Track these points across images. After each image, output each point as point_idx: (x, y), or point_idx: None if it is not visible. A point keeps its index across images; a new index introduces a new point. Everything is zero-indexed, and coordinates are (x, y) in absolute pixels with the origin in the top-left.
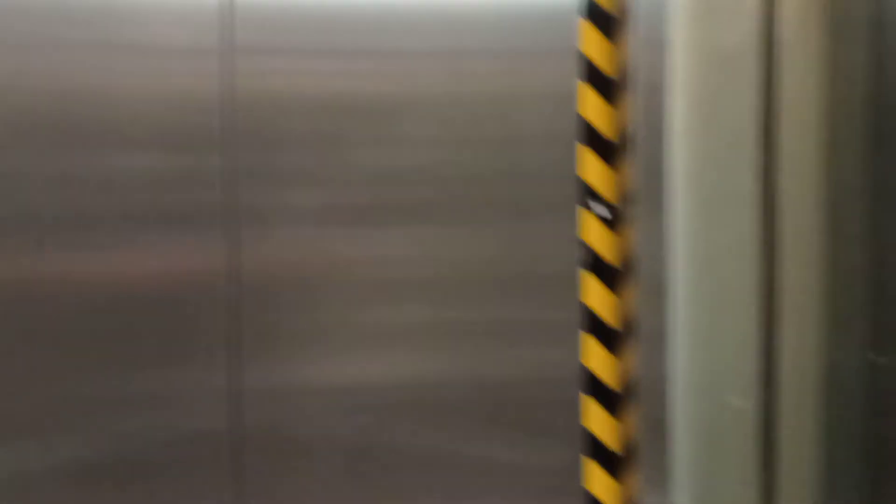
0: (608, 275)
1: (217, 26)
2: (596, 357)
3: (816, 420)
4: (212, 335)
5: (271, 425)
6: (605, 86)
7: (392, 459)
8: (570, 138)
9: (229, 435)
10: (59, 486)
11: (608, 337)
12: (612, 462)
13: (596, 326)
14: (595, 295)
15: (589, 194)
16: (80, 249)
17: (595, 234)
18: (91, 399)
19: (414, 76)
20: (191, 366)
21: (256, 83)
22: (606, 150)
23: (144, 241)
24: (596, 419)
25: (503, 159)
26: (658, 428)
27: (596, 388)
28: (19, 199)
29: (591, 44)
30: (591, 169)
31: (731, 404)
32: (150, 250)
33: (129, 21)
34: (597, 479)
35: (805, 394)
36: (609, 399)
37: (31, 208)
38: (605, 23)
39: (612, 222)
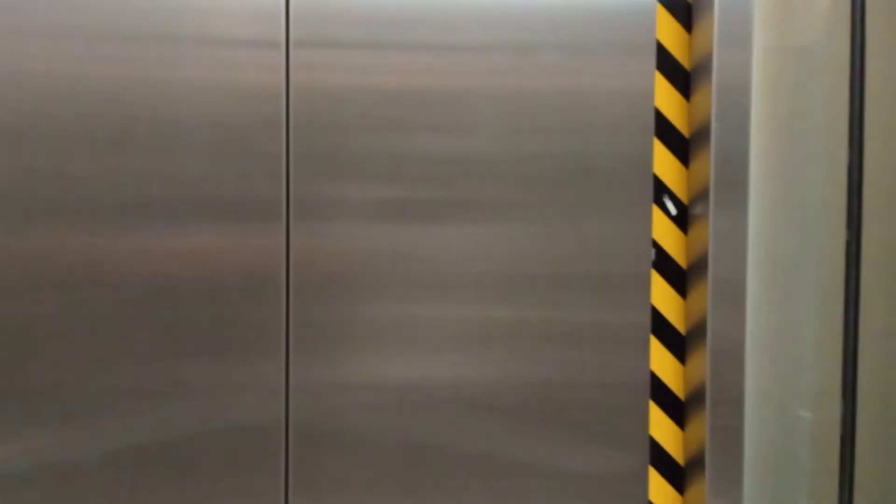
0: (677, 275)
1: (282, 19)
2: (662, 361)
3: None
4: (262, 328)
5: (319, 420)
6: (681, 78)
7: (440, 459)
8: (641, 135)
9: (276, 427)
10: (107, 472)
11: (675, 341)
12: (675, 472)
13: (663, 329)
14: (662, 296)
15: (660, 190)
16: (140, 240)
17: (665, 232)
18: (141, 388)
19: (478, 72)
20: (240, 358)
21: (318, 77)
22: (680, 144)
23: (201, 232)
24: (661, 427)
25: (570, 156)
26: (731, 439)
27: (661, 394)
28: (85, 191)
29: (669, 34)
30: (664, 163)
31: (804, 417)
32: (205, 241)
33: (194, 13)
34: (660, 490)
35: (884, 407)
36: (675, 406)
37: (95, 200)
38: (684, 12)
39: (684, 220)
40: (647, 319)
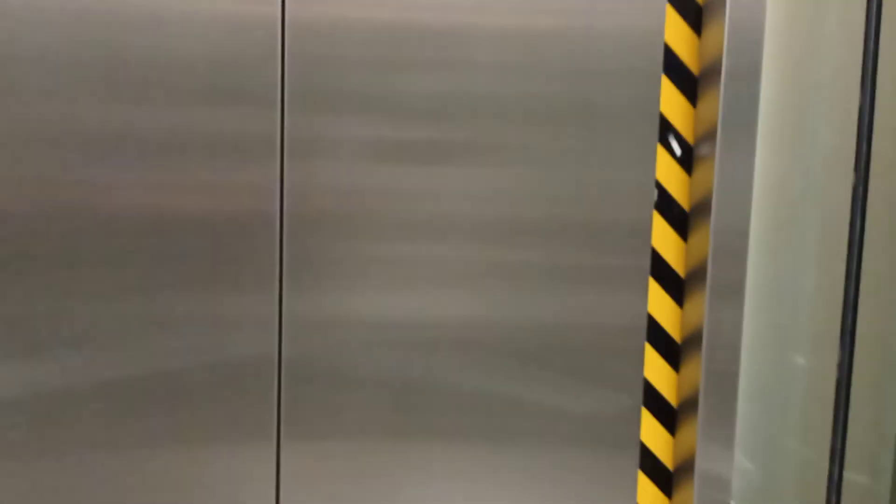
0: (678, 216)
1: None
2: (659, 303)
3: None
4: (256, 263)
5: (315, 354)
6: (693, 13)
7: (434, 397)
8: (648, 78)
9: (269, 361)
10: (100, 401)
11: (674, 284)
12: (668, 414)
13: (661, 270)
14: (662, 237)
15: (665, 129)
16: (131, 173)
17: (668, 173)
18: (135, 319)
19: (482, 8)
20: (233, 292)
21: (315, 10)
22: (688, 82)
23: (194, 165)
24: (655, 369)
25: (575, 95)
26: (725, 383)
27: (657, 336)
28: (74, 123)
29: None
30: (670, 102)
31: (799, 363)
32: (199, 175)
33: None
34: (652, 430)
35: (882, 354)
36: (670, 349)
37: (81, 130)
38: None
39: (688, 161)
40: (646, 262)
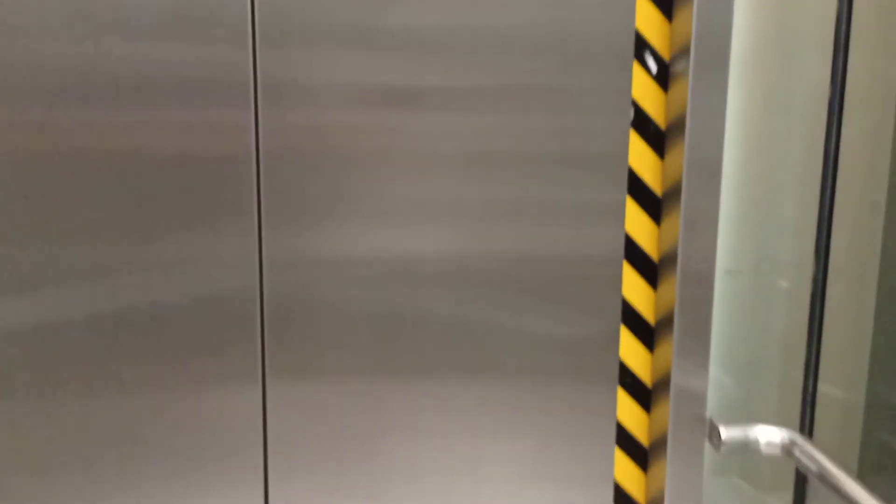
0: (654, 134)
1: None
2: (635, 223)
3: (868, 301)
4: (234, 202)
5: (296, 291)
6: None
7: (417, 329)
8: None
9: (251, 300)
10: (80, 338)
11: (649, 201)
12: (645, 332)
13: (637, 189)
14: (638, 155)
15: (641, 45)
16: (105, 113)
17: (644, 92)
18: (112, 259)
19: None
20: (214, 230)
21: None
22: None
23: (168, 105)
24: (632, 288)
25: (550, 26)
26: (700, 302)
27: (634, 255)
28: (48, 68)
29: None
30: (645, 17)
31: (775, 283)
32: (174, 115)
33: None
34: (629, 348)
35: (857, 274)
36: (647, 268)
37: (61, 76)
38: None
39: (665, 78)
40: (623, 183)
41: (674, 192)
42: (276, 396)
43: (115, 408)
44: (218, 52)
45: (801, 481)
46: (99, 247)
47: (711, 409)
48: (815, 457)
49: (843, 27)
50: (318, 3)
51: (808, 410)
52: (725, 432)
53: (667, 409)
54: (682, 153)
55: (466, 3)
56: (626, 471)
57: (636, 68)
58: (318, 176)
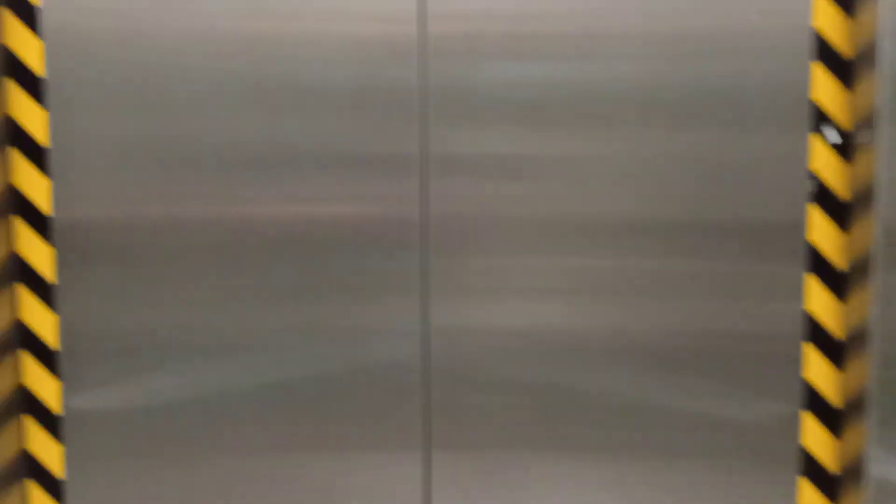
0: (837, 208)
1: None
2: (819, 301)
3: None
4: (402, 275)
5: (456, 363)
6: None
7: (579, 406)
8: (797, 57)
9: (415, 369)
10: (257, 403)
11: (834, 278)
12: (832, 416)
13: (820, 266)
14: (820, 230)
15: (819, 117)
16: (283, 190)
17: (825, 163)
18: (290, 328)
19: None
20: (383, 304)
21: (450, 28)
22: (842, 67)
23: (342, 183)
24: (816, 369)
25: (720, 79)
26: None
27: (817, 335)
28: (226, 140)
29: None
30: (824, 88)
31: None
32: (346, 192)
33: None
34: (814, 434)
35: None
36: (832, 348)
37: (239, 150)
38: None
39: (845, 149)
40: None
41: (860, 268)
42: (440, 465)
43: (279, 472)
44: (391, 128)
45: None
46: (269, 315)
47: None
48: None
49: None
50: (481, 86)
51: None
52: None
53: (857, 501)
54: (870, 226)
55: (632, 71)
56: None
57: (817, 140)
58: (482, 246)
